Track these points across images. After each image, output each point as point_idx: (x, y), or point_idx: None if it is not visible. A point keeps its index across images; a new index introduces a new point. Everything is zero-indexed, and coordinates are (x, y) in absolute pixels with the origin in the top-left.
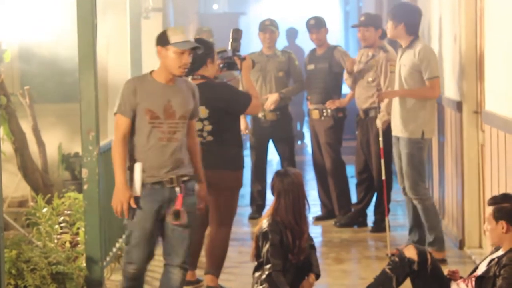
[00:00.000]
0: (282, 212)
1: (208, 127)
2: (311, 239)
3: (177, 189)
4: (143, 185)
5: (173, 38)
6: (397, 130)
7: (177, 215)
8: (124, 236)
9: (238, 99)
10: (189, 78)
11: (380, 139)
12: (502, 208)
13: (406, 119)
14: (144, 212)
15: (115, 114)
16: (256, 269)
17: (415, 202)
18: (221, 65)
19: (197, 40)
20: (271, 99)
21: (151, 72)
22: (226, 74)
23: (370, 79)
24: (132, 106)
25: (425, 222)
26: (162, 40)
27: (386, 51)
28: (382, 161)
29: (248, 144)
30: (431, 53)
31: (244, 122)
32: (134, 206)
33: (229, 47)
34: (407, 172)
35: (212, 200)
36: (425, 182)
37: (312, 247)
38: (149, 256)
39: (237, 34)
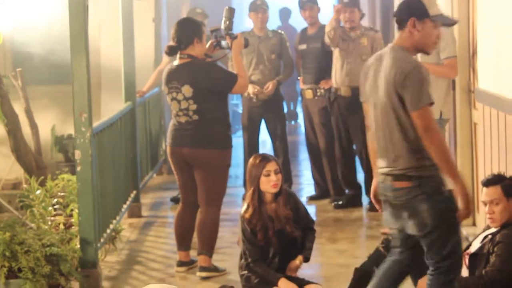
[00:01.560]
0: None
1: (193, 106)
2: (311, 221)
3: None
4: None
5: (431, 10)
6: None
7: None
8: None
9: (223, 78)
10: (177, 57)
11: None
12: (511, 184)
13: None
14: None
15: (425, 105)
16: (241, 255)
17: None
18: (214, 44)
19: (185, 19)
20: (272, 87)
21: (403, 48)
22: (219, 53)
23: (364, 56)
24: None
25: None
26: (419, 11)
27: (377, 30)
28: None
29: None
30: (451, 32)
31: (252, 87)
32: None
33: (222, 26)
34: None
35: (200, 179)
36: None
37: (311, 229)
38: None
39: (230, 13)
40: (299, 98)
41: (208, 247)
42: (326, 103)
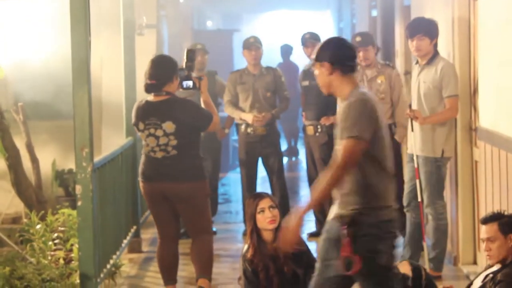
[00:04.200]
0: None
1: (174, 142)
2: (313, 259)
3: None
4: None
5: None
6: (415, 148)
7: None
8: None
9: (203, 115)
10: (152, 94)
11: (415, 157)
12: (509, 221)
13: (425, 137)
14: None
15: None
16: None
17: (430, 218)
18: (180, 84)
19: (162, 56)
20: (266, 116)
21: None
22: (182, 92)
23: (382, 95)
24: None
25: (432, 238)
26: None
27: (393, 67)
28: (418, 181)
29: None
30: (453, 70)
31: (248, 115)
32: None
33: (184, 67)
34: (425, 190)
35: (186, 213)
36: (443, 200)
37: (313, 268)
38: None
39: (191, 54)
40: (300, 134)
41: (208, 272)
42: (327, 139)
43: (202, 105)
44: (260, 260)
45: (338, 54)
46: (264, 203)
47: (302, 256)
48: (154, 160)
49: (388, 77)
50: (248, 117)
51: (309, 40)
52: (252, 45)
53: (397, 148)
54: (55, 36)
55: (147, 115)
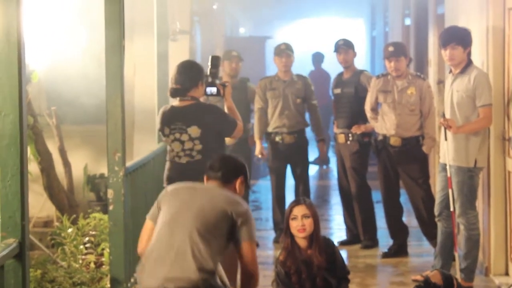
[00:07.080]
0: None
1: (199, 147)
2: (347, 272)
3: None
4: None
5: None
6: (448, 158)
7: None
8: None
9: (228, 121)
10: (177, 99)
11: (448, 167)
12: None
13: (458, 147)
14: None
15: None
16: None
17: (462, 228)
18: (204, 90)
19: (189, 62)
20: (323, 147)
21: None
22: (205, 99)
23: (412, 107)
24: None
25: (464, 248)
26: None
27: (424, 78)
28: (450, 191)
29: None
30: (487, 79)
31: (260, 145)
32: None
33: (208, 73)
34: (458, 199)
35: None
36: (475, 210)
37: (345, 279)
38: None
39: (216, 61)
40: (331, 143)
41: (233, 278)
42: (358, 147)
43: (226, 112)
44: (293, 263)
45: None
46: (298, 211)
47: (336, 268)
48: (178, 165)
49: (418, 88)
50: (257, 148)
51: (342, 46)
52: (283, 52)
53: (424, 159)
54: (89, 40)
55: (173, 120)
